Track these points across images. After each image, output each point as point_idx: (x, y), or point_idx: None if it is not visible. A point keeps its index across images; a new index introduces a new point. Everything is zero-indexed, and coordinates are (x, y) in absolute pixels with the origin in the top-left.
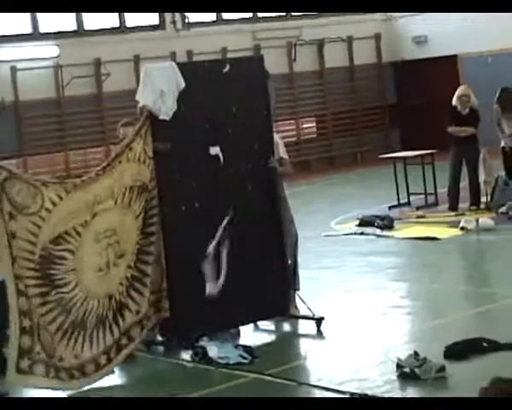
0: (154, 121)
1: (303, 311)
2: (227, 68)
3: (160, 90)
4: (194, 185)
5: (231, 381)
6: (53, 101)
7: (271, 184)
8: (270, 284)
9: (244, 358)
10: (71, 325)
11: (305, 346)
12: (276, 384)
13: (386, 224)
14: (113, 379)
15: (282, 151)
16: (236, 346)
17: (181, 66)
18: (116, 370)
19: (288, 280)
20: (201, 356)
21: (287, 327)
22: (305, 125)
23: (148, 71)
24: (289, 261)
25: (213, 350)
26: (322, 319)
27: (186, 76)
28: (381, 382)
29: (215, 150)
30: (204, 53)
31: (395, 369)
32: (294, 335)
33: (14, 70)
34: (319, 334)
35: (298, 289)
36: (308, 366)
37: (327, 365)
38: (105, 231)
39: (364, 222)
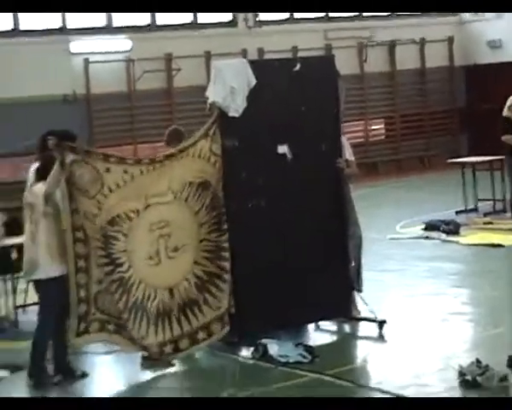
0: (223, 118)
1: (365, 313)
2: (298, 67)
3: (231, 86)
4: (260, 183)
5: (290, 380)
6: (124, 94)
7: (338, 185)
8: (332, 284)
9: (304, 357)
10: (134, 306)
11: (365, 348)
12: (335, 385)
13: (452, 229)
14: (173, 370)
15: (348, 153)
16: (297, 345)
17: (252, 63)
18: (177, 361)
19: (351, 282)
20: (262, 354)
21: (348, 328)
22: (373, 127)
23: (219, 67)
24: (353, 263)
25: (274, 348)
26: (384, 322)
27: (257, 73)
28: (441, 388)
29: (283, 149)
30: (275, 51)
31: (456, 376)
32: (355, 337)
33: (86, 63)
34: (380, 337)
35: (361, 291)
36: (368, 369)
37: (387, 368)
38: (158, 222)
39: (430, 226)
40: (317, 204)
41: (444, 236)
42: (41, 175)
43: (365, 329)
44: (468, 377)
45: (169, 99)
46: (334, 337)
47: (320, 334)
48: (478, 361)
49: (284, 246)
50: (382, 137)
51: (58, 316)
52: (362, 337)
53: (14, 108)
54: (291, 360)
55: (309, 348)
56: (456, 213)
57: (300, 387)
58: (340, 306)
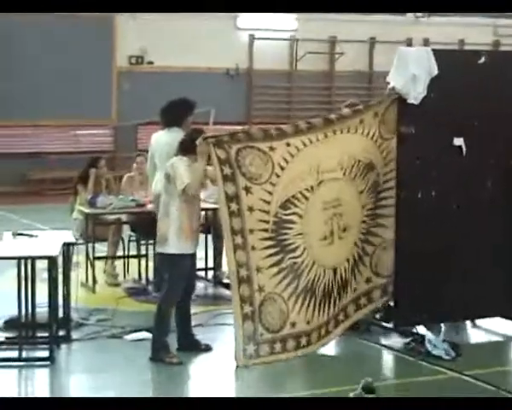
0: (402, 104)
1: None
2: (482, 60)
3: (413, 73)
4: (433, 173)
5: (429, 375)
6: (285, 73)
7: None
8: (495, 282)
9: (447, 354)
10: (303, 291)
11: None
12: (474, 386)
13: None
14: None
15: None
16: (444, 340)
17: (435, 52)
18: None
19: None
20: (413, 346)
21: (506, 329)
22: None
23: (403, 54)
24: None
25: (429, 339)
26: None
27: (439, 63)
28: None
29: (459, 141)
30: (441, 43)
31: None
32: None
33: (251, 38)
34: None
35: None
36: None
37: None
38: (332, 200)
39: None
40: (489, 201)
41: None
42: (185, 148)
43: None
44: None
45: (329, 82)
46: (489, 337)
47: (476, 331)
48: None
49: (449, 239)
50: None
51: (183, 290)
52: None
53: (179, 76)
54: (435, 353)
55: (454, 346)
56: None
57: (438, 384)
58: (502, 305)
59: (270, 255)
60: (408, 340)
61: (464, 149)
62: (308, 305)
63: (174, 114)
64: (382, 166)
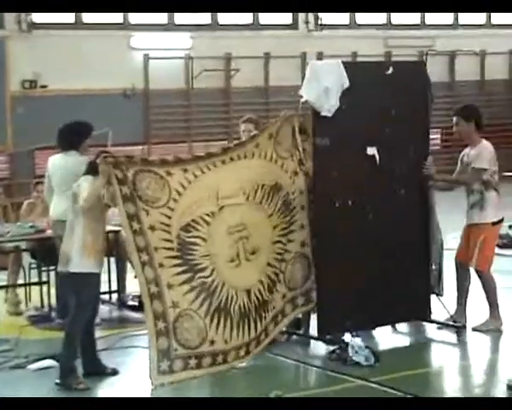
0: (315, 117)
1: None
2: (390, 71)
3: (325, 86)
4: (349, 183)
5: (337, 384)
6: (182, 91)
7: (424, 190)
8: (413, 287)
9: (367, 360)
10: (217, 310)
11: (438, 353)
12: (380, 393)
13: (507, 243)
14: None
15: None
16: (366, 347)
17: (345, 64)
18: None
19: (430, 285)
20: (338, 354)
21: (425, 332)
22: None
23: (315, 67)
24: (434, 267)
25: (354, 346)
26: (464, 327)
27: (349, 75)
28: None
29: (372, 151)
30: (334, 56)
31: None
32: (430, 341)
33: (146, 58)
34: (459, 342)
35: (441, 295)
36: (431, 375)
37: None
38: (237, 225)
39: None
40: (403, 208)
41: (496, 249)
42: (92, 168)
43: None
44: None
45: (227, 99)
46: (410, 340)
47: (395, 336)
48: None
49: (367, 247)
50: (438, 147)
51: (90, 313)
52: (438, 342)
53: (74, 99)
54: (355, 358)
55: (374, 352)
56: (510, 227)
57: (340, 393)
58: (421, 309)
59: (179, 273)
60: (332, 348)
61: (378, 157)
62: (225, 324)
63: (70, 137)
64: (290, 184)
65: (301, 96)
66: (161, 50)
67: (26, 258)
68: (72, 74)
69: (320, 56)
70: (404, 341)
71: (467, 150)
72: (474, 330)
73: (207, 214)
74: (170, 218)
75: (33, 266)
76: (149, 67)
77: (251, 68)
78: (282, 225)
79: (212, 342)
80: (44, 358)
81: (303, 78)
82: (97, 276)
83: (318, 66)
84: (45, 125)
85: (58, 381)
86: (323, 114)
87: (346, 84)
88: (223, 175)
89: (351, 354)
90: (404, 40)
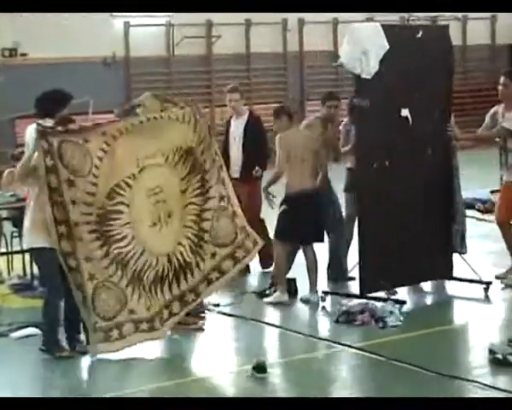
0: (357, 78)
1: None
2: (420, 34)
3: (364, 49)
4: (387, 144)
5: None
6: (163, 59)
7: (449, 151)
8: (436, 246)
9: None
10: (134, 279)
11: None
12: (364, 358)
13: (488, 208)
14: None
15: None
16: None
17: (383, 28)
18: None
19: (453, 244)
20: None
21: (448, 290)
22: None
23: (354, 30)
24: (457, 226)
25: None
26: (490, 283)
27: (387, 38)
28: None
29: (406, 112)
30: (315, 22)
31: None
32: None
33: (127, 26)
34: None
35: (465, 253)
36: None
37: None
38: (154, 187)
39: (465, 204)
40: (430, 168)
41: (478, 214)
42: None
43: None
44: (499, 356)
45: (208, 66)
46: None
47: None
48: (510, 341)
49: (401, 207)
50: None
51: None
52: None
53: (54, 68)
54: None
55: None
56: (492, 192)
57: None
58: (443, 268)
59: (98, 247)
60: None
61: (410, 119)
62: (144, 292)
63: (47, 105)
64: (205, 148)
65: (338, 58)
66: (142, 17)
67: (8, 226)
68: (53, 43)
69: (301, 22)
70: (429, 299)
71: (500, 110)
72: (497, 278)
73: (129, 177)
74: (96, 185)
75: (15, 234)
76: (130, 34)
77: (232, 35)
78: (195, 185)
79: (132, 311)
80: (27, 326)
81: (284, 44)
82: (50, 250)
83: (357, 29)
84: (26, 93)
85: (42, 347)
86: (363, 76)
87: (386, 46)
88: (142, 135)
89: (384, 315)
90: None
